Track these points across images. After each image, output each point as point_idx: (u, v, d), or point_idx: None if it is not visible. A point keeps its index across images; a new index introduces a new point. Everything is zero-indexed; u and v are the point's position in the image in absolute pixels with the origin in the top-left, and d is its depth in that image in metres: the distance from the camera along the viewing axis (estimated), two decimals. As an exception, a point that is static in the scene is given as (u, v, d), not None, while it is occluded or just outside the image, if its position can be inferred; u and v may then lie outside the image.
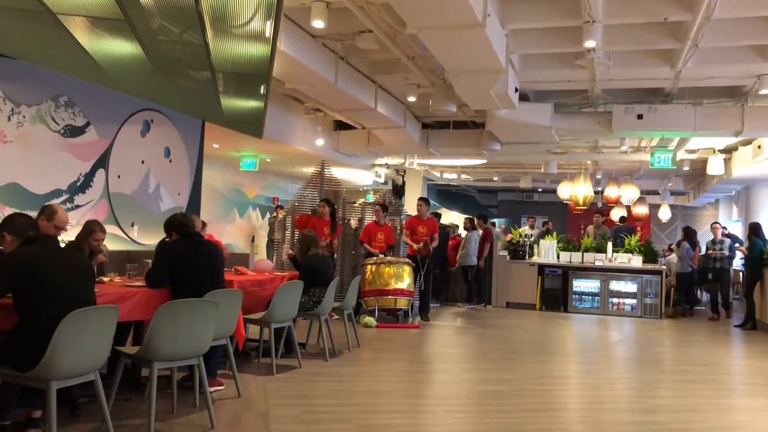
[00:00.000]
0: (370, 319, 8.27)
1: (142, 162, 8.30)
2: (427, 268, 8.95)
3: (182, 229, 4.60)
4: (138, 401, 4.33)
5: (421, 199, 9.69)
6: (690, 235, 11.15)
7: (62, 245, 3.95)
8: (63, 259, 3.46)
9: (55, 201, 6.84)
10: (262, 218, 16.23)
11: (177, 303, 3.86)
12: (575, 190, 15.27)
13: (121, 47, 4.67)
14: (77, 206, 7.23)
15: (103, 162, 7.60)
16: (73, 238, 4.87)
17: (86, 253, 4.62)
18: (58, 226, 4.07)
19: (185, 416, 4.15)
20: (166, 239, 4.86)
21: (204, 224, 6.51)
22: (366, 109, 10.04)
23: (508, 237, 11.99)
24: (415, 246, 8.94)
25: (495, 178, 19.05)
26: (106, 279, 4.62)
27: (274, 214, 14.35)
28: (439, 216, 11.67)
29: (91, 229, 4.86)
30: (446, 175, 18.06)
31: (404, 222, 9.73)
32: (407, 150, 14.07)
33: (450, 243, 11.85)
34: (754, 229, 9.85)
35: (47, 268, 3.30)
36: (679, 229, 16.81)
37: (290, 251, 7.63)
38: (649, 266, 10.89)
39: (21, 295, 3.26)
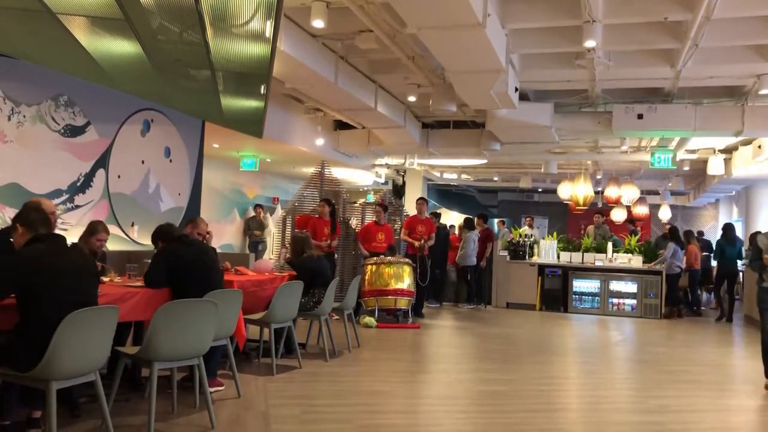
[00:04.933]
0: (370, 320, 8.27)
1: (142, 162, 8.30)
2: (425, 266, 8.96)
3: (167, 236, 4.71)
4: (138, 401, 4.33)
5: (421, 198, 9.75)
6: (675, 235, 11.10)
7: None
8: (70, 261, 3.43)
9: (55, 201, 6.84)
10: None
11: (177, 303, 3.87)
12: (575, 190, 15.26)
13: (121, 47, 4.67)
14: (77, 206, 7.23)
15: (103, 162, 7.60)
16: (75, 239, 4.87)
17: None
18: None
19: (185, 416, 4.15)
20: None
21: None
22: (366, 109, 10.04)
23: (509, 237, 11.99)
24: (416, 243, 8.96)
25: (495, 178, 19.05)
26: (106, 279, 4.62)
27: (253, 215, 14.16)
28: (438, 216, 11.67)
29: (95, 229, 4.91)
30: (446, 175, 18.05)
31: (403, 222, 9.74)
32: (407, 150, 14.06)
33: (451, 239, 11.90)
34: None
35: (54, 269, 3.28)
36: (680, 229, 16.79)
37: (288, 255, 7.62)
38: (649, 266, 10.88)
39: (25, 295, 3.24)
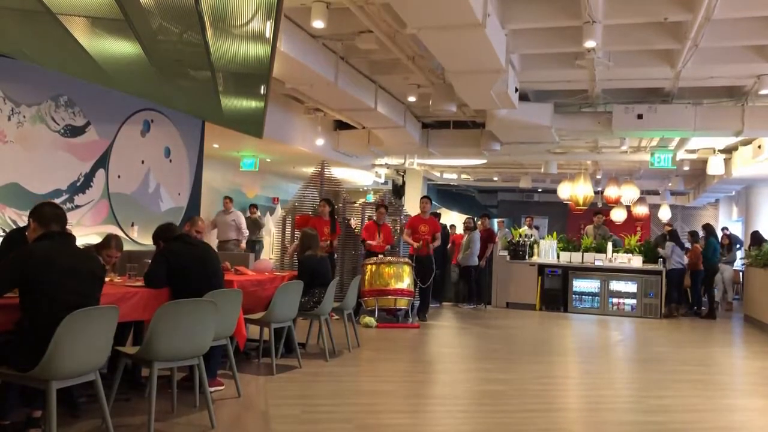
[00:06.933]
0: (370, 319, 8.27)
1: (142, 162, 8.30)
2: (430, 268, 8.94)
3: (167, 234, 4.71)
4: (138, 401, 4.33)
5: (425, 197, 9.71)
6: (675, 236, 11.12)
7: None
8: (75, 261, 3.42)
9: (55, 201, 6.85)
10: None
11: (177, 303, 3.87)
12: (575, 190, 15.25)
13: (121, 47, 4.67)
14: (77, 206, 7.23)
15: (103, 162, 7.60)
16: (79, 239, 4.89)
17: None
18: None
19: (185, 416, 4.15)
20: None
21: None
22: (366, 109, 10.04)
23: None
24: (415, 245, 8.94)
25: (495, 178, 19.05)
26: (106, 279, 4.62)
27: (247, 215, 14.05)
28: (438, 216, 11.68)
29: (106, 244, 4.92)
30: (446, 175, 18.06)
31: (404, 222, 9.72)
32: (407, 150, 14.06)
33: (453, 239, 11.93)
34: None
35: (57, 269, 3.28)
36: (680, 229, 16.80)
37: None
38: (649, 266, 10.89)
39: (27, 292, 3.25)
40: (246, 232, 11.96)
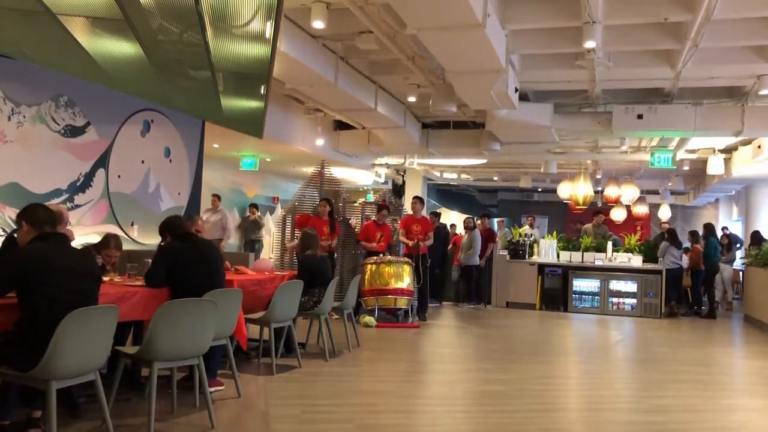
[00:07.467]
0: (370, 319, 8.28)
1: (142, 162, 8.30)
2: (424, 267, 8.95)
3: (174, 230, 4.67)
4: (138, 401, 4.33)
5: (415, 197, 9.73)
6: (673, 236, 11.12)
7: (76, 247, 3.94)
8: (72, 261, 3.42)
9: (55, 201, 6.85)
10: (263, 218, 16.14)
11: (177, 303, 3.87)
12: (575, 190, 15.25)
13: (121, 47, 4.67)
14: (77, 206, 7.23)
15: (103, 162, 7.60)
16: (79, 239, 4.89)
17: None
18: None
19: (185, 416, 4.16)
20: (162, 243, 4.89)
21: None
22: (366, 109, 10.04)
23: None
24: (410, 243, 8.95)
25: (495, 178, 19.06)
26: (106, 279, 4.62)
27: (247, 215, 14.04)
28: (438, 215, 11.67)
29: (106, 244, 4.91)
30: (446, 175, 18.06)
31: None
32: (407, 150, 14.07)
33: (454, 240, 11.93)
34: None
35: (54, 269, 3.28)
36: (680, 229, 16.80)
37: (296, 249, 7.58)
38: (649, 266, 10.89)
39: (25, 293, 3.25)
40: (231, 233, 11.74)
